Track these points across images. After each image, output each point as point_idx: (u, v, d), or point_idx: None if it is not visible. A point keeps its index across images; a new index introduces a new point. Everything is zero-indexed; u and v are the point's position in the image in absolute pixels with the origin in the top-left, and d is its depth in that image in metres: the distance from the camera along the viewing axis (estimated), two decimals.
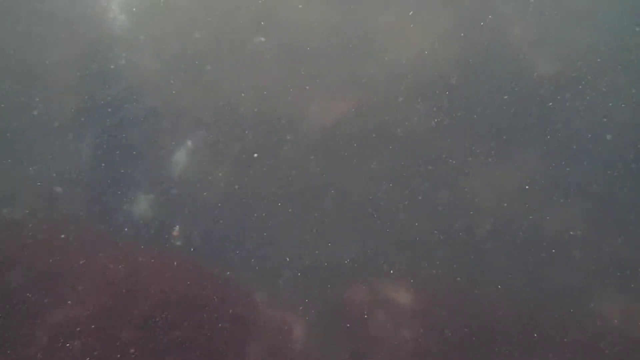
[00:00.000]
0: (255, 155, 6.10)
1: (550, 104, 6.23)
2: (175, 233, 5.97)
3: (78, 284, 4.76)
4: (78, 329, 4.55)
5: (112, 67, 6.43)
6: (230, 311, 5.12)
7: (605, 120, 6.17)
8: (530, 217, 6.01)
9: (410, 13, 6.37)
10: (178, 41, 6.53)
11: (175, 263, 5.30)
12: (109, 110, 6.29)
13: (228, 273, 5.58)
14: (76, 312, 4.60)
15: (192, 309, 4.96)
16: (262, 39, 6.36)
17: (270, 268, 5.82)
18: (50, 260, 4.98)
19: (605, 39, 6.31)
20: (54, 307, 4.64)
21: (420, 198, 6.20)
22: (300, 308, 5.59)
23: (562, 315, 5.72)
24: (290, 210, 6.08)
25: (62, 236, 5.26)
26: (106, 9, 6.59)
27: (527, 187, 6.08)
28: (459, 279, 5.92)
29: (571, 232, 5.96)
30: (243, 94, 6.41)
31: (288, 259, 5.89)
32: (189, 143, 6.35)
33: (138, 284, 4.89)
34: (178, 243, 5.93)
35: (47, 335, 4.42)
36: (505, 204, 6.08)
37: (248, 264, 5.86)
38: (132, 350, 4.46)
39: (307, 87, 6.46)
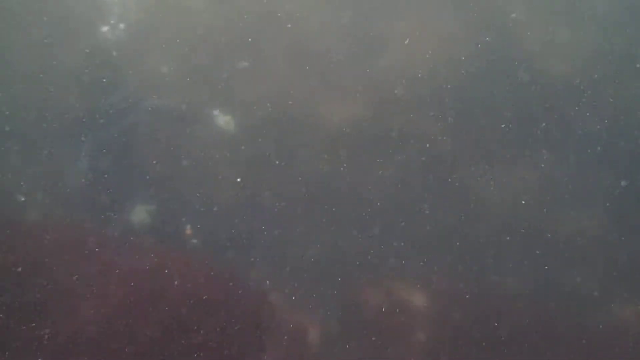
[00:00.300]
0: (239, 180, 5.99)
1: (564, 106, 6.26)
2: (188, 232, 5.87)
3: (94, 286, 4.59)
4: (95, 332, 4.37)
5: (122, 71, 6.32)
6: (247, 313, 4.98)
7: (621, 123, 6.22)
8: (545, 220, 5.99)
9: (423, 16, 6.40)
10: (188, 43, 6.46)
11: (190, 265, 5.16)
12: (125, 110, 6.18)
13: (242, 274, 5.46)
14: (93, 315, 4.42)
15: (209, 311, 4.81)
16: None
17: (283, 270, 5.73)
18: (66, 264, 4.81)
19: (619, 41, 6.39)
20: (71, 310, 4.45)
21: (433, 201, 6.15)
22: (315, 310, 5.49)
23: (579, 319, 5.69)
24: (304, 211, 6.00)
25: (75, 238, 5.09)
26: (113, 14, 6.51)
27: (539, 191, 6.08)
28: (472, 281, 5.87)
29: (587, 235, 5.95)
30: (254, 97, 6.34)
31: (302, 261, 5.79)
32: (200, 144, 6.24)
33: (156, 286, 4.74)
34: (194, 241, 5.80)
35: (65, 338, 4.24)
36: (519, 208, 6.07)
37: (262, 266, 5.76)
38: (151, 354, 4.29)
39: (320, 89, 6.41)
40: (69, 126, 5.96)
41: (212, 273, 5.43)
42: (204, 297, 4.85)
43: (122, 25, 6.51)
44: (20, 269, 4.59)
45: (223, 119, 6.39)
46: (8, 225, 5.24)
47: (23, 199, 5.75)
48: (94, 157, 6.06)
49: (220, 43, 6.27)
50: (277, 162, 6.18)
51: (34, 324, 4.18)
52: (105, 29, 6.55)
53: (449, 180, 6.11)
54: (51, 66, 6.22)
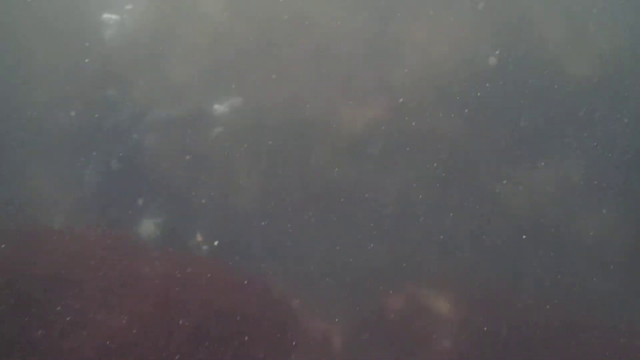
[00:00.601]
0: (216, 243, 5.91)
1: (586, 107, 6.22)
2: (199, 239, 5.83)
3: (114, 295, 4.54)
4: (116, 342, 4.32)
5: (140, 75, 6.30)
6: (270, 321, 4.93)
7: None
8: (568, 223, 5.94)
9: (441, 20, 6.36)
10: (206, 50, 6.43)
11: (209, 274, 5.12)
12: (135, 116, 6.16)
13: (262, 281, 5.42)
14: (114, 325, 4.37)
15: (231, 320, 4.76)
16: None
17: (303, 275, 5.68)
18: (84, 271, 4.77)
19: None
20: (91, 319, 4.40)
21: (453, 204, 6.12)
22: (337, 316, 5.44)
23: (603, 324, 5.63)
24: (323, 216, 5.96)
25: (95, 246, 5.05)
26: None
27: (563, 193, 6.02)
28: (495, 286, 5.82)
29: (611, 239, 5.90)
30: (271, 101, 6.31)
31: (322, 267, 5.75)
32: (218, 150, 6.22)
33: (177, 295, 4.69)
34: (205, 247, 5.78)
35: (85, 347, 4.18)
36: (542, 210, 6.02)
37: (281, 272, 5.71)
38: None
39: (336, 93, 6.39)
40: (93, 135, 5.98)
41: (231, 280, 5.39)
42: (226, 305, 4.81)
43: (137, 33, 6.51)
44: (47, 279, 4.56)
45: (239, 122, 6.37)
46: (34, 234, 5.22)
47: (43, 208, 5.77)
48: (111, 166, 6.06)
49: (238, 48, 6.26)
50: (295, 166, 6.17)
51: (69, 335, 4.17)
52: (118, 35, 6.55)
53: (470, 183, 6.09)
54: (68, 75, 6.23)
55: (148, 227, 5.96)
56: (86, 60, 6.26)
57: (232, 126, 6.29)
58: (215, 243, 5.84)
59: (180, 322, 4.60)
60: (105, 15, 6.48)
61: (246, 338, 4.66)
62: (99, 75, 6.25)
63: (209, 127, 6.20)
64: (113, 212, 5.95)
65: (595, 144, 6.16)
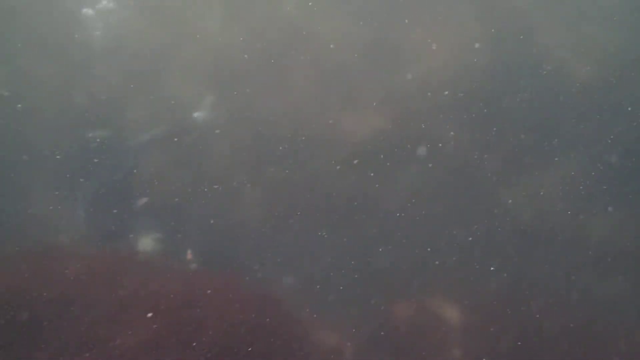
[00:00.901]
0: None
1: (592, 109, 6.24)
2: (189, 256, 5.81)
3: (130, 312, 4.51)
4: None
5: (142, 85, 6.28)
6: (283, 334, 4.90)
7: None
8: (576, 226, 5.95)
9: (442, 26, 6.38)
10: (207, 63, 6.43)
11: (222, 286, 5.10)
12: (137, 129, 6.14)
13: (272, 293, 5.39)
14: (130, 341, 4.33)
15: (246, 333, 4.73)
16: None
17: (311, 286, 5.65)
18: (91, 291, 4.73)
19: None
20: (108, 336, 4.36)
21: (458, 211, 6.11)
22: (346, 326, 5.41)
23: (616, 329, 5.62)
24: (328, 227, 5.94)
25: (108, 264, 5.02)
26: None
27: (569, 195, 6.03)
28: (505, 291, 5.80)
29: (620, 242, 5.91)
30: (273, 112, 6.30)
31: (330, 276, 5.73)
32: (222, 161, 6.20)
33: (193, 311, 4.67)
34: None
35: None
36: (548, 215, 6.02)
37: (288, 284, 5.68)
38: None
39: (339, 102, 6.39)
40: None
41: (242, 291, 5.36)
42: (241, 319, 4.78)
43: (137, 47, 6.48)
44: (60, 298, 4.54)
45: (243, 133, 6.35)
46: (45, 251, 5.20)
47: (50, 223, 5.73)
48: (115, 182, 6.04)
49: (239, 60, 6.26)
50: (298, 176, 6.15)
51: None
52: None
53: (476, 189, 6.09)
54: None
55: (152, 244, 5.94)
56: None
57: (231, 135, 6.28)
58: (190, 255, 5.81)
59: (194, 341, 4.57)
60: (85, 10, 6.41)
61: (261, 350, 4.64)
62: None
63: (195, 134, 6.17)
64: (112, 230, 5.92)
65: (600, 144, 6.16)
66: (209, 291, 4.97)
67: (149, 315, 4.63)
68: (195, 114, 6.28)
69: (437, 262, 5.92)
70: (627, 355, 5.54)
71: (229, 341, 4.57)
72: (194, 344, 4.50)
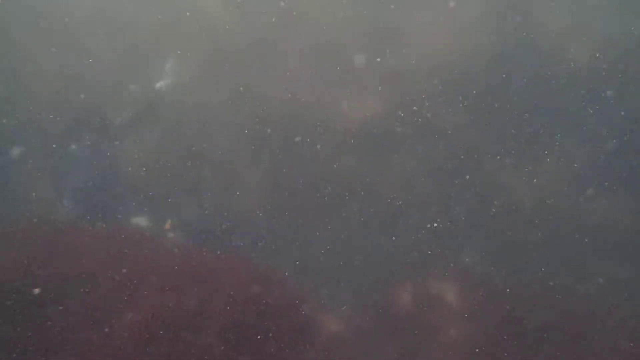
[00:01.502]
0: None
1: (591, 95, 6.24)
2: (167, 226, 5.84)
3: (138, 293, 4.53)
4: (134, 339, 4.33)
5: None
6: (287, 317, 4.99)
7: None
8: (577, 211, 5.95)
9: (441, 7, 6.36)
10: (208, 48, 6.36)
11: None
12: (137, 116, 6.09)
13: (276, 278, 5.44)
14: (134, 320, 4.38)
15: (251, 314, 4.80)
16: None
17: (310, 271, 5.70)
18: (98, 268, 4.75)
19: None
20: (109, 315, 4.39)
21: (458, 195, 6.11)
22: (346, 310, 5.49)
23: (618, 314, 5.71)
24: (328, 211, 5.97)
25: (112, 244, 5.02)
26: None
27: (570, 183, 6.06)
28: (502, 276, 5.87)
29: (620, 225, 5.91)
30: (270, 96, 6.29)
31: (329, 261, 5.78)
32: (222, 146, 6.20)
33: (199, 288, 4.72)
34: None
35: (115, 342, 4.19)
36: (548, 199, 6.00)
37: (289, 269, 5.76)
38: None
39: (337, 85, 6.38)
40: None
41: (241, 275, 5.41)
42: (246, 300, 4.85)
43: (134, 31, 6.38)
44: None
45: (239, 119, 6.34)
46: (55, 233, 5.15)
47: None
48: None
49: (238, 44, 6.21)
50: (298, 161, 6.16)
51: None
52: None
53: (475, 173, 6.11)
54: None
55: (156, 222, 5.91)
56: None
57: (231, 121, 6.26)
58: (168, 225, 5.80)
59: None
60: None
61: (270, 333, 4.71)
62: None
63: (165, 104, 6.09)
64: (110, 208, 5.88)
65: (604, 132, 6.21)
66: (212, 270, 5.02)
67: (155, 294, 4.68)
68: (158, 85, 6.23)
69: (436, 248, 6.00)
70: (627, 339, 5.62)
71: (236, 318, 4.63)
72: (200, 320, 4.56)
